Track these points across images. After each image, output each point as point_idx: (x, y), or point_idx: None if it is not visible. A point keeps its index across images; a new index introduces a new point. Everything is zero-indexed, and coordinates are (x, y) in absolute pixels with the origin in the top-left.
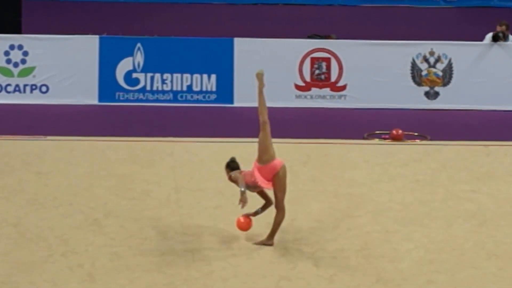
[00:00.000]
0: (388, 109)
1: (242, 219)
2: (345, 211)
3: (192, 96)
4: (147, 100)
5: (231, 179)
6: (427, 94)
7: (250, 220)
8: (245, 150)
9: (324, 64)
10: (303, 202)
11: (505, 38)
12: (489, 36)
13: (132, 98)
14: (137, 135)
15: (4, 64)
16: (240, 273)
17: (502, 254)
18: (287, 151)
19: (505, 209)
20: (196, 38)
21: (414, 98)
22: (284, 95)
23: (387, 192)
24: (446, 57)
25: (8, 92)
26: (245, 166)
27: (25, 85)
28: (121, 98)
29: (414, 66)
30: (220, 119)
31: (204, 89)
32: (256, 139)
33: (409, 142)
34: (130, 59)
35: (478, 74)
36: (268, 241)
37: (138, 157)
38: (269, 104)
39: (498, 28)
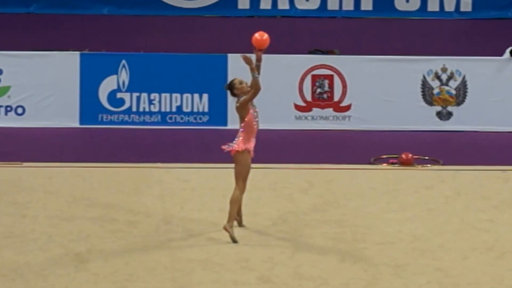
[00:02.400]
0: (396, 131)
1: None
2: (351, 243)
3: (182, 118)
4: (133, 123)
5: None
6: (439, 114)
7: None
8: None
9: (326, 82)
10: (305, 233)
11: None
12: (508, 50)
13: (116, 120)
14: (122, 161)
15: None
16: None
17: None
18: (287, 177)
19: None
20: (186, 54)
21: (425, 119)
22: (283, 116)
23: (396, 222)
24: (460, 74)
25: None
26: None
27: None
28: (105, 120)
29: (425, 84)
30: (213, 142)
31: (195, 110)
32: (255, 165)
33: (420, 167)
34: (114, 77)
35: (495, 92)
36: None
37: (124, 185)
38: (266, 126)
39: None
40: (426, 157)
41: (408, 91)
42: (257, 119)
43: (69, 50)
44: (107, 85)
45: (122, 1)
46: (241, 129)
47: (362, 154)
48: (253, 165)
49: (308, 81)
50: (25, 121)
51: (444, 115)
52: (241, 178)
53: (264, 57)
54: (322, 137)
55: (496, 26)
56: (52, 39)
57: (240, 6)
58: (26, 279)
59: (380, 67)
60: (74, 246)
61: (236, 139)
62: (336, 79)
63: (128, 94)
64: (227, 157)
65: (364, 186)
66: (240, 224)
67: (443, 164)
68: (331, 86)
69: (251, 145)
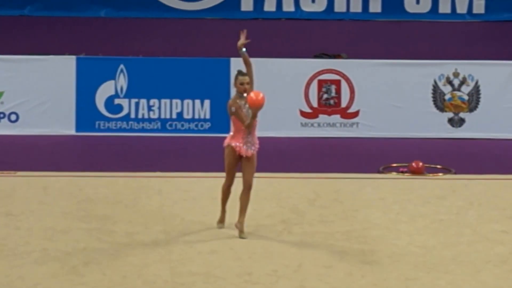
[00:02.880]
0: (406, 139)
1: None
2: (359, 256)
3: (182, 125)
4: (131, 130)
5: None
6: (451, 121)
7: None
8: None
9: (333, 88)
10: (311, 246)
11: None
12: None
13: (114, 128)
14: (120, 170)
15: None
16: None
17: None
18: (292, 187)
19: None
20: (187, 58)
21: (436, 126)
22: (287, 123)
23: (406, 234)
24: (472, 79)
25: None
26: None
27: None
28: (102, 128)
29: (436, 89)
30: (215, 151)
31: (196, 116)
32: (258, 174)
33: (431, 176)
34: (111, 82)
35: (510, 97)
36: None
37: (122, 195)
38: (271, 133)
39: None
40: (438, 166)
41: (419, 96)
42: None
43: (65, 54)
44: (105, 90)
45: (120, 3)
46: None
47: (370, 162)
48: (256, 174)
49: (314, 86)
50: (19, 129)
51: (456, 122)
52: (225, 171)
53: (269, 61)
54: (328, 145)
55: (510, 28)
56: (47, 43)
57: (243, 8)
58: None
59: (389, 72)
60: (70, 259)
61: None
62: (344, 84)
63: (127, 100)
64: None
65: (373, 196)
66: (221, 221)
67: (455, 173)
68: (338, 91)
69: (236, 142)
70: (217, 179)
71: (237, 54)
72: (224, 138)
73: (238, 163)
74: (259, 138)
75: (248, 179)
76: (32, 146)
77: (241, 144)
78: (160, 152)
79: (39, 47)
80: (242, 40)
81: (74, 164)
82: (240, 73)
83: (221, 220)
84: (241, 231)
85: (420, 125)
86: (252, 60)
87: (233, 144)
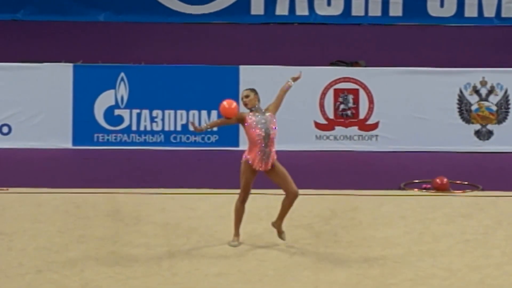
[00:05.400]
0: (429, 152)
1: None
2: (378, 279)
3: (188, 138)
4: (132, 143)
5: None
6: (478, 133)
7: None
8: (253, 204)
9: (350, 97)
10: (326, 268)
11: None
12: None
13: (114, 141)
14: (120, 186)
15: None
16: None
17: None
18: (306, 204)
19: None
20: (193, 65)
21: (462, 139)
22: (302, 136)
23: (429, 256)
24: (501, 88)
25: None
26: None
27: None
28: (101, 141)
29: (462, 99)
30: (223, 165)
31: None
32: (267, 190)
33: (456, 193)
34: (111, 92)
35: None
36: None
37: (122, 213)
38: (283, 147)
39: None
40: (464, 182)
41: (443, 107)
42: (258, 127)
43: (61, 62)
44: (104, 101)
45: (121, 7)
46: None
47: (391, 178)
48: (267, 191)
49: (330, 96)
50: (11, 142)
51: (483, 134)
52: (241, 186)
53: (281, 69)
54: (345, 159)
55: None
56: (42, 49)
57: (253, 12)
58: None
59: (411, 80)
60: (67, 282)
61: None
62: (362, 94)
63: (127, 111)
64: (238, 182)
65: (394, 214)
66: (236, 238)
67: (482, 190)
68: (356, 101)
69: (252, 156)
70: (225, 196)
71: (246, 62)
72: (233, 151)
73: (254, 178)
74: None
75: (288, 188)
76: (25, 160)
77: (257, 158)
78: (164, 167)
79: (33, 54)
80: (297, 76)
81: (70, 180)
82: (246, 88)
83: (236, 235)
84: (280, 232)
85: (444, 138)
86: (263, 68)
87: (250, 161)
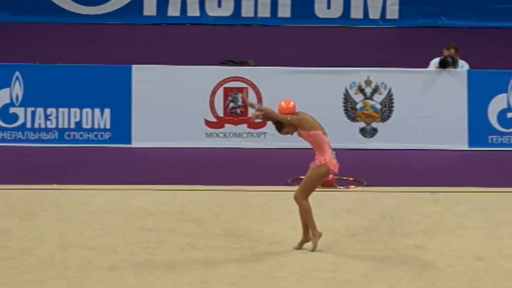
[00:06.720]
0: None
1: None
2: (266, 272)
3: (81, 135)
4: (27, 140)
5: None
6: (362, 131)
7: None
8: (145, 199)
9: (240, 96)
10: (216, 262)
11: (454, 64)
12: (435, 61)
13: (9, 138)
14: (14, 182)
15: None
16: None
17: None
18: (197, 199)
19: (456, 268)
20: (86, 65)
21: (347, 136)
22: (192, 133)
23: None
24: (385, 87)
25: None
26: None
27: None
28: None
29: (347, 97)
30: (116, 162)
31: (96, 126)
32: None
33: (342, 188)
34: (6, 90)
35: (424, 106)
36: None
37: (16, 209)
38: (175, 144)
39: (446, 52)
40: (349, 178)
41: (329, 105)
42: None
43: None
44: None
45: (16, 7)
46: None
47: (279, 174)
48: (156, 187)
49: (220, 94)
50: None
51: (368, 132)
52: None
53: (172, 68)
54: (235, 156)
55: (424, 34)
56: None
57: (146, 13)
58: None
59: (299, 79)
60: None
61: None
62: (251, 92)
63: (22, 109)
64: (130, 178)
65: (281, 209)
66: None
67: (367, 186)
68: (245, 100)
69: (328, 158)
70: (118, 192)
71: (139, 61)
72: (126, 149)
73: None
74: (160, 149)
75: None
76: None
77: (334, 160)
78: (57, 164)
79: None
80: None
81: None
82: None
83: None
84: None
85: (330, 136)
86: (155, 68)
87: (331, 166)
